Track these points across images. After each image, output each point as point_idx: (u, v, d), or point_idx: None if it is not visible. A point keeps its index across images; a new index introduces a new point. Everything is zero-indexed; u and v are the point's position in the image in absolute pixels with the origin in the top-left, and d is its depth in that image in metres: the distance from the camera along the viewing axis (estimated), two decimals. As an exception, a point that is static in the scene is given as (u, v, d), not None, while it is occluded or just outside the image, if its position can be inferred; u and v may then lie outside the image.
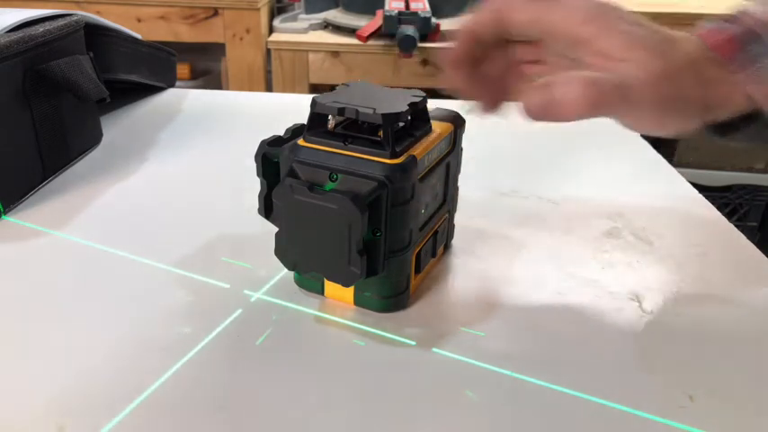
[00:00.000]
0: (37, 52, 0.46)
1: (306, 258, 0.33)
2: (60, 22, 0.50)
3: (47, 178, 0.50)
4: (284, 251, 0.34)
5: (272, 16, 1.51)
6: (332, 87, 0.35)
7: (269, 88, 1.46)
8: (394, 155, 0.31)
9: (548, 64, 0.36)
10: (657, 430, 0.29)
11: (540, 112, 0.31)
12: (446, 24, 1.39)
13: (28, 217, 0.45)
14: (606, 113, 0.31)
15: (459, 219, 0.42)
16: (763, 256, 0.43)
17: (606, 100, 0.30)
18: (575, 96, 0.30)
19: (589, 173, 0.56)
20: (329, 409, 0.29)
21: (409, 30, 1.27)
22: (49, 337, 0.33)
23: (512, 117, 0.34)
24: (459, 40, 0.35)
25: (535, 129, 0.66)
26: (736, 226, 0.47)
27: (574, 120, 0.31)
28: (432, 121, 0.36)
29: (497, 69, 0.37)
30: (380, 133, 0.32)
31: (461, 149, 0.39)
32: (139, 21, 1.38)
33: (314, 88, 1.42)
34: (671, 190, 0.53)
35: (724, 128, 0.36)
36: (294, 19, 1.50)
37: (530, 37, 0.35)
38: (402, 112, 0.32)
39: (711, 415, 0.29)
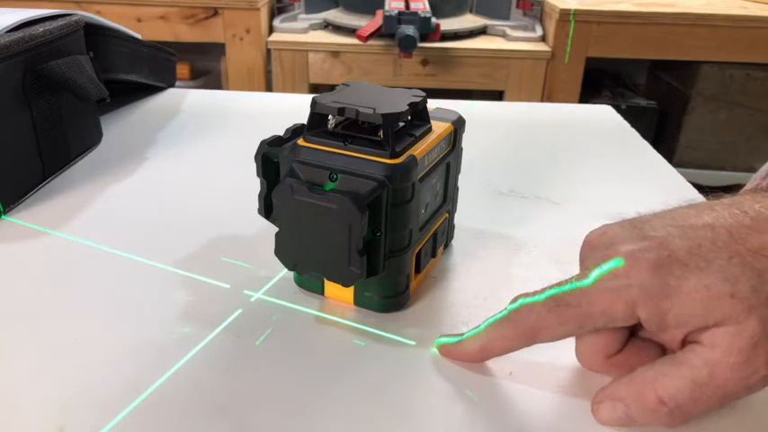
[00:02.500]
0: (37, 52, 0.46)
1: (306, 258, 0.33)
2: (60, 22, 0.50)
3: (47, 178, 0.50)
4: (284, 251, 0.34)
5: (272, 16, 1.52)
6: (332, 87, 0.35)
7: (269, 88, 1.46)
8: (394, 155, 0.31)
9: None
10: (657, 430, 0.28)
11: (623, 425, 0.28)
12: (446, 24, 1.39)
13: (28, 217, 0.45)
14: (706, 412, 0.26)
15: (459, 219, 0.42)
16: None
17: (694, 409, 0.26)
18: (655, 416, 0.26)
19: (589, 173, 0.56)
20: (329, 409, 0.29)
21: (409, 30, 1.27)
22: (48, 337, 0.33)
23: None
24: (479, 355, 0.31)
25: (535, 129, 0.66)
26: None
27: None
28: (432, 121, 0.36)
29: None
30: (380, 133, 0.32)
31: (461, 149, 0.39)
32: (139, 21, 1.38)
33: (314, 88, 1.42)
34: (671, 190, 0.53)
35: None
36: (294, 19, 1.50)
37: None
38: (402, 112, 0.32)
39: (711, 415, 0.29)
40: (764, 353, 0.24)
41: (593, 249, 0.28)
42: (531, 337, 0.29)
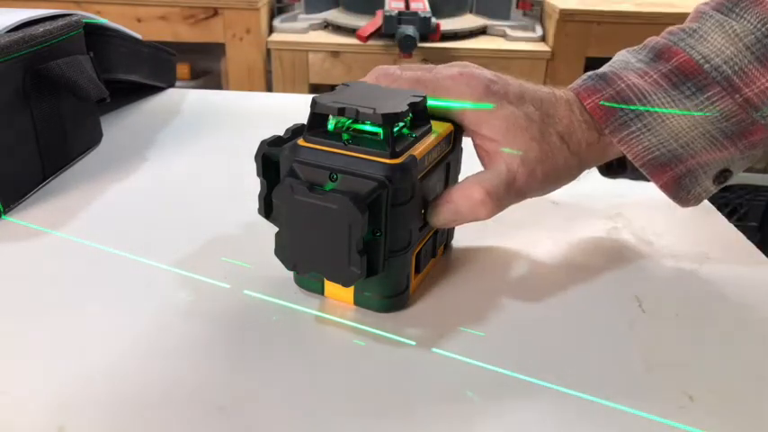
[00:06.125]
0: (37, 52, 0.46)
1: (306, 258, 0.33)
2: (60, 22, 0.50)
3: (47, 178, 0.50)
4: (284, 251, 0.34)
5: (272, 16, 1.51)
6: (332, 87, 0.35)
7: (269, 88, 1.46)
8: (394, 155, 0.31)
9: None
10: (657, 430, 0.29)
11: (452, 224, 0.37)
12: (446, 24, 1.39)
13: (28, 217, 0.45)
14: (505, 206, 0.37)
15: (459, 219, 0.42)
16: (763, 256, 0.43)
17: (504, 201, 0.36)
18: (479, 208, 0.35)
19: (589, 173, 0.56)
20: (329, 409, 0.29)
21: (409, 30, 1.27)
22: (48, 338, 0.33)
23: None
24: None
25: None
26: (736, 226, 0.47)
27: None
28: (432, 121, 0.36)
29: None
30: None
31: (461, 149, 0.39)
32: (139, 21, 1.38)
33: (314, 88, 1.42)
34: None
35: (604, 170, 0.43)
36: (294, 19, 1.50)
37: None
38: (402, 112, 0.32)
39: (711, 415, 0.29)
40: (541, 169, 0.36)
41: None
42: None
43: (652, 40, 0.39)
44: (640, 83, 0.37)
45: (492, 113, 0.36)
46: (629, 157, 0.37)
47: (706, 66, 0.36)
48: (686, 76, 0.36)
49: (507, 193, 0.36)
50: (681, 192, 0.39)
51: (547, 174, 0.36)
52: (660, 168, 0.38)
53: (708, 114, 0.36)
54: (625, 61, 0.39)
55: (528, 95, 0.37)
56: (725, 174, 0.39)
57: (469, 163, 0.41)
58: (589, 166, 0.39)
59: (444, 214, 0.36)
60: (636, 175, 0.40)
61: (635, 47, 0.40)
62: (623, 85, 0.37)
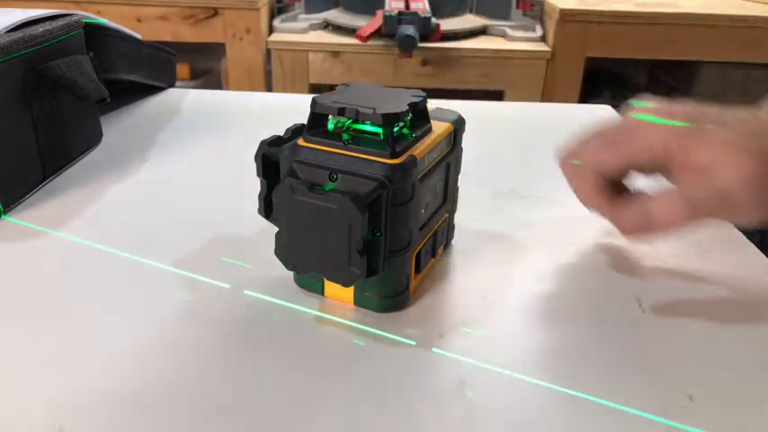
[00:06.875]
0: (37, 52, 0.46)
1: (306, 258, 0.33)
2: (60, 22, 0.50)
3: (47, 178, 0.50)
4: (284, 251, 0.34)
5: (272, 16, 1.51)
6: (332, 87, 0.35)
7: (269, 88, 1.46)
8: (394, 155, 0.31)
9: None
10: (657, 430, 0.29)
11: (640, 232, 0.35)
12: (446, 24, 1.39)
13: (28, 217, 0.45)
14: (704, 220, 0.34)
15: (459, 219, 0.42)
16: (763, 256, 0.43)
17: (703, 212, 0.33)
18: (673, 216, 0.33)
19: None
20: (329, 409, 0.29)
21: (409, 30, 1.27)
22: (48, 338, 0.33)
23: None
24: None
25: (535, 129, 0.66)
26: (737, 226, 0.47)
27: (671, 233, 0.34)
28: (432, 121, 0.36)
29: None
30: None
31: (461, 149, 0.39)
32: (139, 21, 1.38)
33: (314, 88, 1.42)
34: (671, 190, 0.53)
35: None
36: (294, 19, 1.50)
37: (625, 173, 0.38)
38: (402, 112, 0.32)
39: (711, 415, 0.29)
40: (763, 185, 0.32)
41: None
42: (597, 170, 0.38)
43: None
44: None
45: (696, 139, 0.34)
46: None
47: None
48: None
49: (711, 201, 0.33)
50: None
51: (766, 193, 0.33)
52: None
53: None
54: None
55: (729, 118, 0.35)
56: None
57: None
58: None
59: (634, 216, 0.34)
60: None
61: None
62: None
